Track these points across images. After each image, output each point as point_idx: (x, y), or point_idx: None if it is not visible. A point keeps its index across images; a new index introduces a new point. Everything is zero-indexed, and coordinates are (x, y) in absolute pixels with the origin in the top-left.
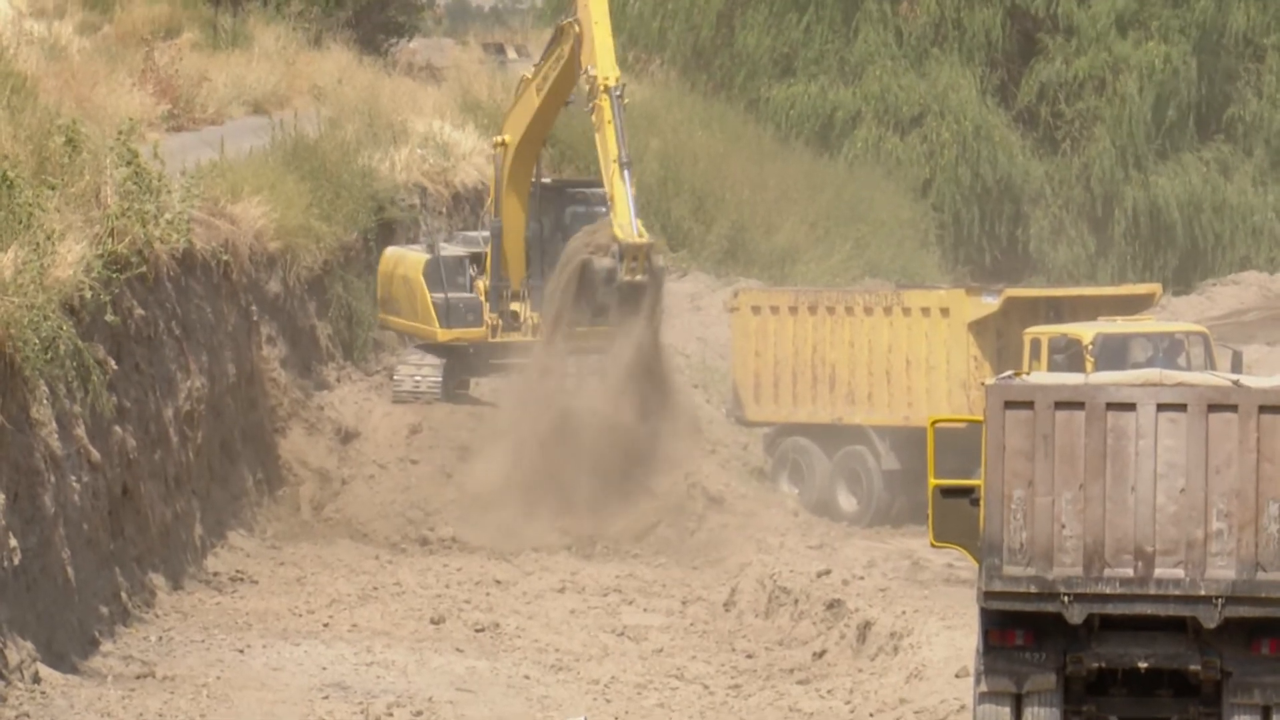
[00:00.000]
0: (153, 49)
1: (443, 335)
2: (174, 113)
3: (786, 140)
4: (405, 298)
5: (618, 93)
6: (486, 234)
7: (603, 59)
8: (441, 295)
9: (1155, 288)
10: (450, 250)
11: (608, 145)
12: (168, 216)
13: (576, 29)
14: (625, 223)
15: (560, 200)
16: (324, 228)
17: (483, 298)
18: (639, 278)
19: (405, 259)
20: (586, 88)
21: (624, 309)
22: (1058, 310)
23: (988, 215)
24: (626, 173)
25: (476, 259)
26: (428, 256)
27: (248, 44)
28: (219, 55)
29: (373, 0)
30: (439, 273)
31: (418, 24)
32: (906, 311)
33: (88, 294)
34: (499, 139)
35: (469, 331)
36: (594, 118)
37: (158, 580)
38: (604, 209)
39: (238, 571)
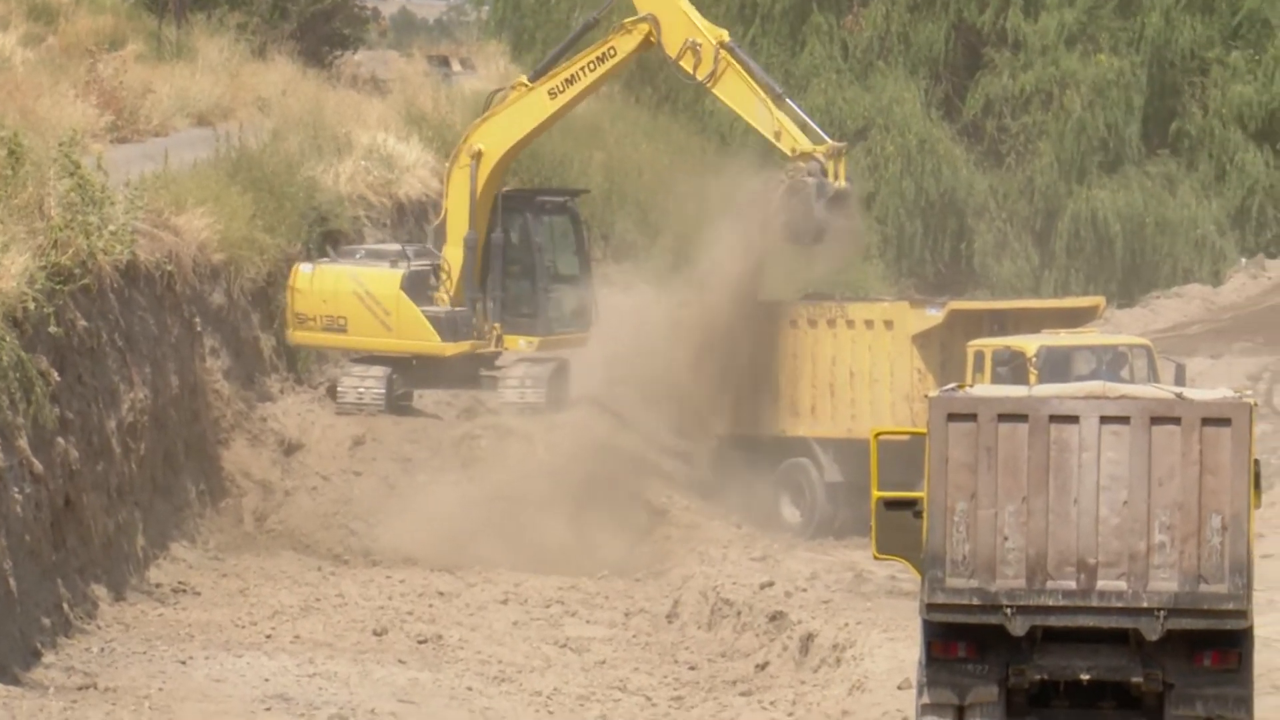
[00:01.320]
0: (97, 60)
1: (450, 350)
2: (118, 124)
3: (732, 154)
4: (368, 314)
5: (733, 44)
6: (399, 247)
7: (705, 26)
8: (433, 310)
9: (1099, 301)
10: (418, 265)
11: (755, 89)
12: (111, 228)
13: (645, 25)
14: (806, 139)
15: (528, 209)
16: (268, 239)
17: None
18: (843, 184)
19: (361, 275)
20: (689, 66)
21: (838, 215)
22: (1001, 323)
23: (931, 228)
24: (789, 101)
25: (435, 272)
26: (400, 272)
27: (192, 56)
28: (163, 67)
29: (317, 12)
30: (420, 288)
31: (362, 36)
32: (850, 324)
33: (31, 305)
34: (475, 148)
35: (474, 344)
36: (719, 84)
37: (100, 591)
38: (562, 216)
39: (180, 583)
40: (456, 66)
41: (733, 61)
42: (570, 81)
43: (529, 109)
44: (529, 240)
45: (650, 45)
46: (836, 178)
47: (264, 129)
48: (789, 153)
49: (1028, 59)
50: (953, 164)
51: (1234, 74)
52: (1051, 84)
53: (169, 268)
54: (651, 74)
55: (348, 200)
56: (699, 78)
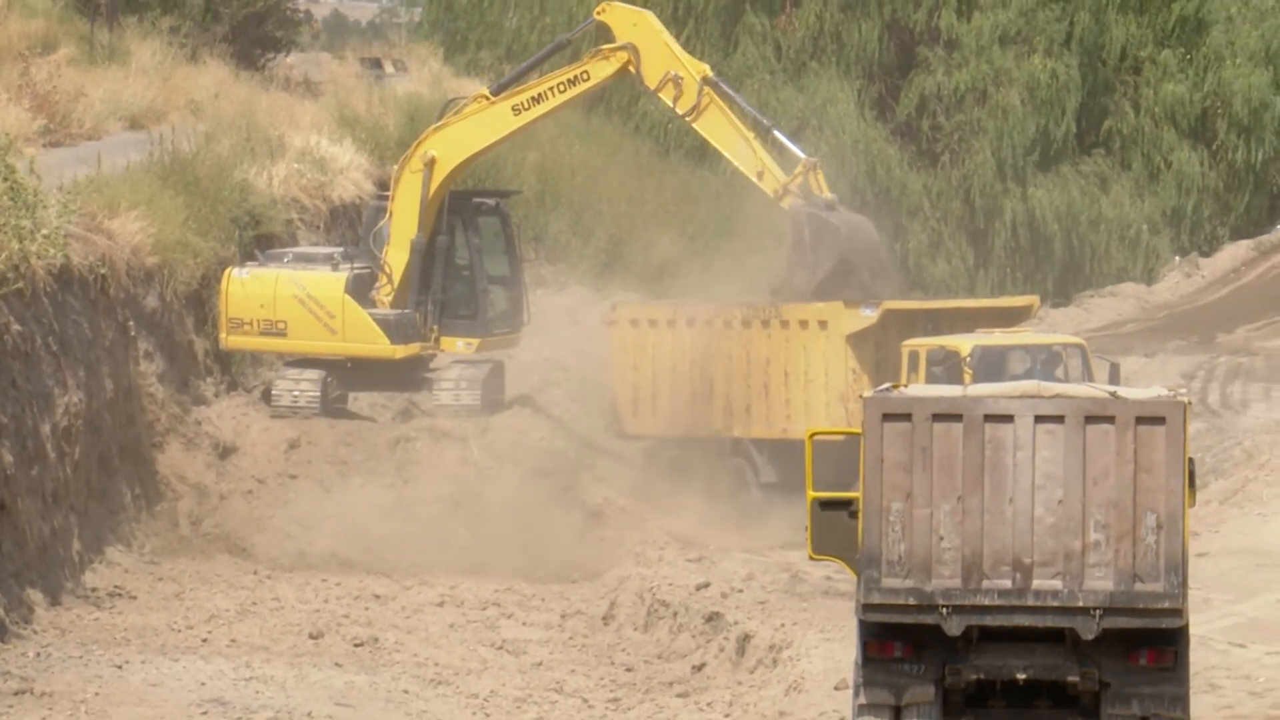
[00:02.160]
0: (29, 64)
1: (400, 352)
2: (50, 128)
3: (665, 154)
4: (310, 318)
5: (716, 79)
6: (328, 251)
7: (688, 60)
8: (381, 313)
9: (1033, 300)
10: (359, 268)
11: (737, 126)
12: (44, 232)
13: (625, 54)
14: (784, 174)
15: (465, 210)
16: (201, 242)
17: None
18: (828, 194)
19: (302, 279)
20: (669, 99)
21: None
22: (936, 323)
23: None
24: (776, 132)
25: (373, 275)
26: (344, 275)
27: (124, 59)
28: (96, 70)
29: (249, 15)
30: (362, 291)
31: (295, 38)
32: (785, 324)
33: None
34: (429, 155)
35: (420, 346)
36: (701, 119)
37: (35, 596)
38: (494, 217)
39: (116, 587)
40: (389, 68)
41: (715, 98)
42: (537, 100)
43: (490, 122)
44: (468, 242)
45: (628, 74)
46: (820, 190)
47: (197, 132)
48: (771, 194)
49: (962, 58)
50: (887, 164)
51: (1165, 73)
52: (986, 83)
53: (102, 271)
54: None
55: (281, 203)
56: (680, 111)
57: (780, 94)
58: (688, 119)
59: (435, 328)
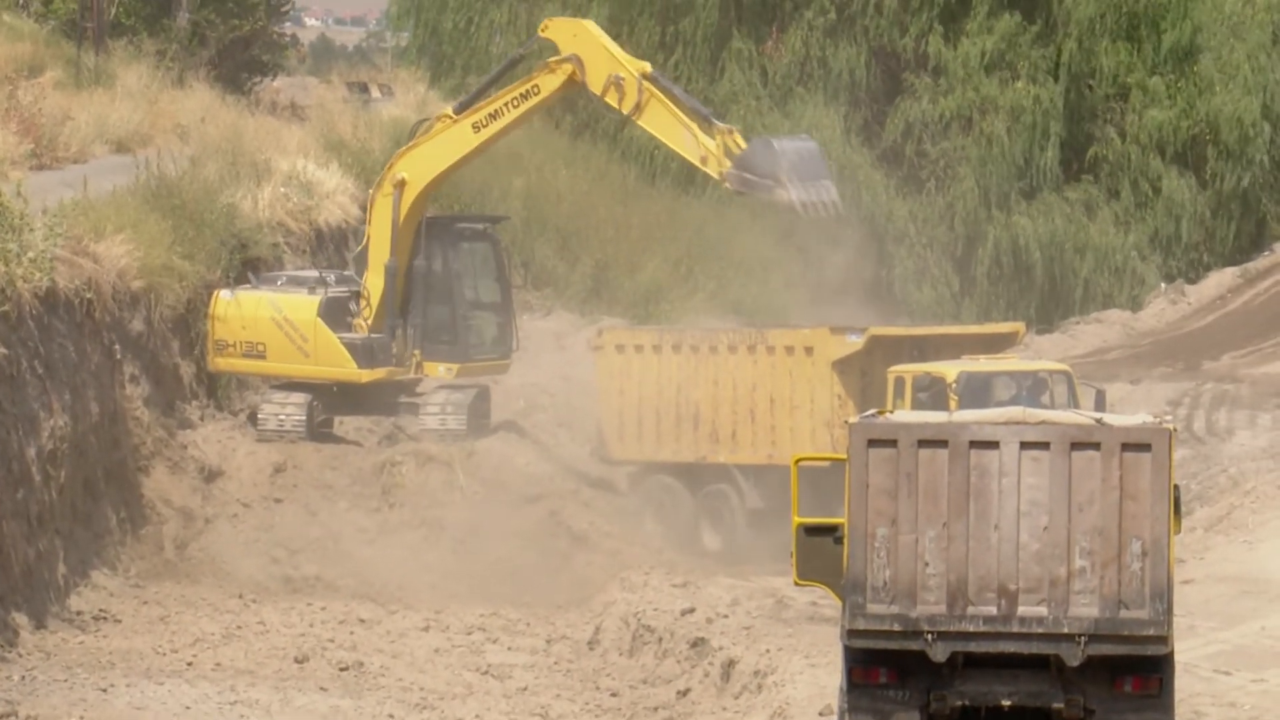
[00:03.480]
0: (15, 87)
1: (366, 376)
2: (37, 151)
3: (651, 180)
4: (286, 341)
5: (656, 74)
6: (318, 274)
7: (626, 60)
8: (350, 336)
9: (1019, 326)
10: (336, 291)
11: (679, 116)
12: (30, 255)
13: (569, 65)
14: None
15: (448, 236)
16: (187, 266)
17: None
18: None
19: (279, 301)
20: (614, 101)
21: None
22: (921, 349)
23: (852, 255)
24: (716, 122)
25: (355, 298)
26: (318, 299)
27: (111, 83)
28: (82, 94)
29: (236, 39)
30: (338, 314)
31: (281, 62)
32: (770, 350)
33: None
34: (399, 177)
35: (391, 370)
36: (644, 114)
37: (20, 619)
38: (483, 243)
39: (101, 610)
40: (376, 93)
41: (655, 91)
42: (494, 116)
43: (453, 141)
44: (449, 267)
45: (575, 84)
46: (738, 148)
47: (183, 156)
48: (716, 176)
49: (948, 84)
50: (872, 190)
51: (1153, 99)
52: (971, 110)
53: (88, 295)
54: (571, 101)
55: (267, 227)
56: (624, 111)
57: (766, 119)
58: (633, 117)
59: (416, 352)
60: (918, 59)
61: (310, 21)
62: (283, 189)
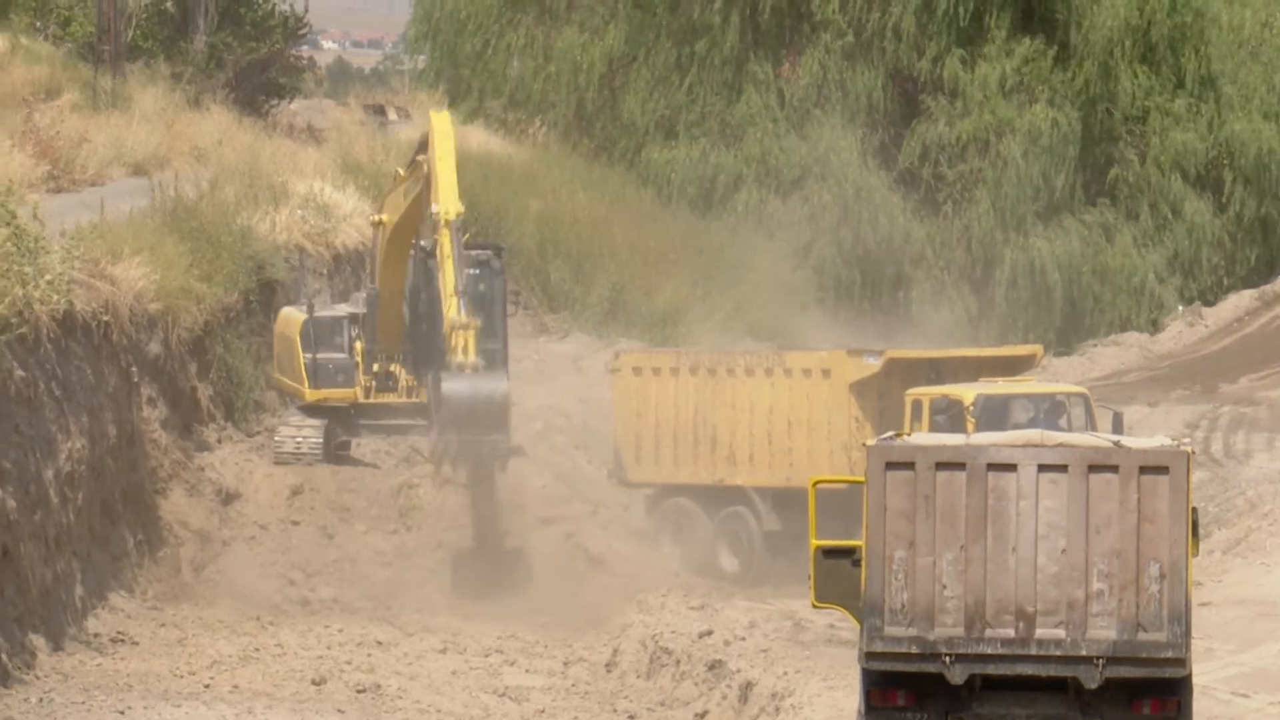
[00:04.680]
0: (32, 110)
1: (310, 395)
2: (54, 174)
3: (669, 203)
4: (285, 357)
5: (458, 225)
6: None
7: (445, 194)
8: (310, 355)
9: (1036, 349)
10: (328, 311)
11: (447, 279)
12: (48, 278)
13: (425, 168)
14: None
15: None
16: (204, 289)
17: (359, 359)
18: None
19: (287, 319)
20: (430, 223)
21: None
22: (939, 371)
23: (869, 277)
24: (462, 301)
25: (356, 320)
26: (303, 316)
27: (127, 105)
28: (99, 117)
29: (253, 62)
30: (328, 334)
31: (298, 85)
32: (788, 373)
33: None
34: (377, 217)
35: (337, 392)
36: (436, 252)
37: (38, 641)
38: (479, 270)
39: (118, 633)
40: (392, 115)
41: (446, 244)
42: (406, 196)
43: (398, 198)
44: (429, 294)
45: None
46: (465, 353)
47: (200, 178)
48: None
49: (965, 107)
50: (889, 212)
51: (1175, 121)
52: (988, 133)
53: (105, 317)
54: (588, 124)
55: (284, 249)
56: (428, 235)
57: (783, 142)
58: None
59: (409, 377)
60: (935, 82)
61: (327, 44)
62: (300, 211)
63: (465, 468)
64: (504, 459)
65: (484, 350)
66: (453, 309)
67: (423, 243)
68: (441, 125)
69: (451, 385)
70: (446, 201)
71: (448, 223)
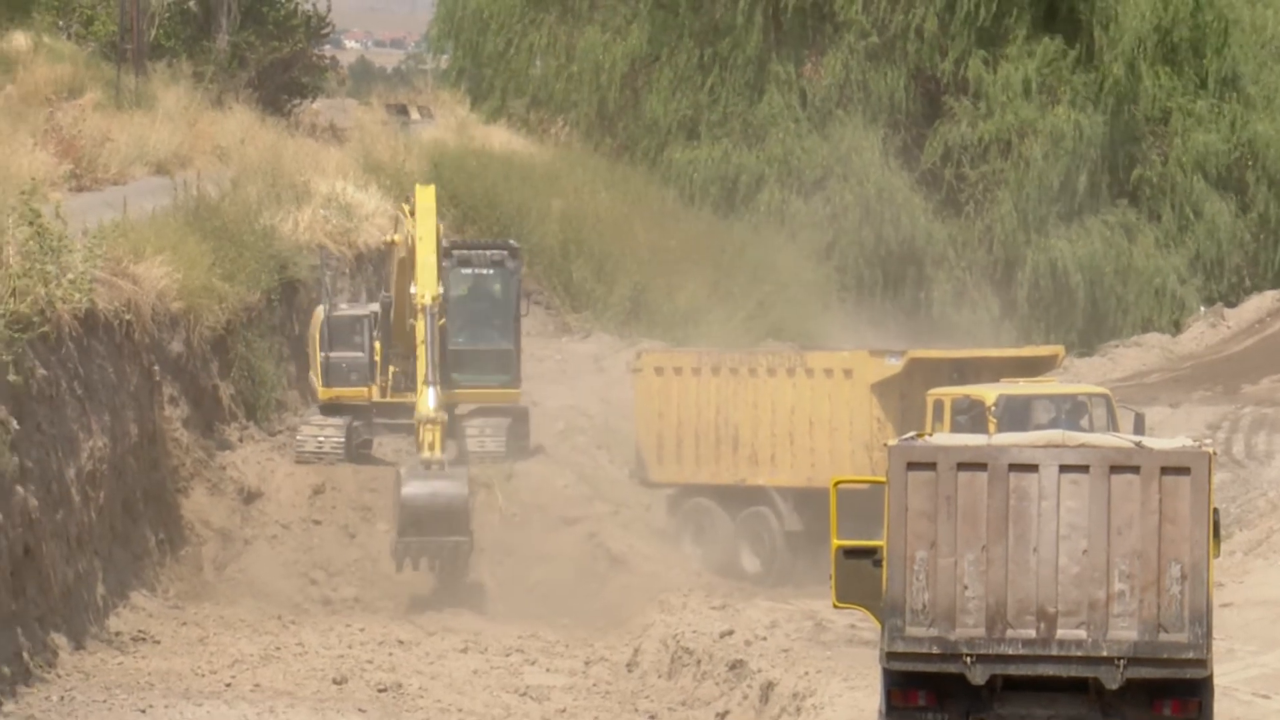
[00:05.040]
0: (55, 109)
1: (322, 393)
2: (76, 173)
3: (691, 203)
4: (311, 355)
5: (434, 309)
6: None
7: (423, 277)
8: (325, 354)
9: (1058, 349)
10: (349, 310)
11: (420, 366)
12: (70, 276)
13: (409, 227)
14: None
15: (451, 265)
16: (226, 288)
17: (377, 359)
18: (437, 453)
19: (315, 318)
20: (410, 306)
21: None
22: (961, 372)
23: (891, 277)
24: (431, 390)
25: (377, 320)
26: (322, 315)
27: (150, 104)
28: (122, 115)
29: (275, 61)
30: (346, 332)
31: (321, 84)
32: (809, 373)
33: None
34: (389, 238)
35: (349, 390)
36: (412, 334)
37: (60, 640)
38: (492, 271)
39: (140, 631)
40: (415, 115)
41: (420, 329)
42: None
43: (406, 227)
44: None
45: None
46: (432, 448)
47: (222, 177)
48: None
49: (988, 108)
50: (911, 213)
51: (1198, 122)
52: (1010, 133)
53: (128, 316)
54: (610, 123)
55: (306, 248)
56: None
57: (805, 142)
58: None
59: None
60: (957, 83)
61: (350, 44)
62: (322, 211)
63: (428, 565)
64: (465, 558)
65: (495, 352)
66: (423, 401)
67: (451, 251)
68: (424, 202)
69: (411, 489)
70: (424, 285)
71: (424, 307)
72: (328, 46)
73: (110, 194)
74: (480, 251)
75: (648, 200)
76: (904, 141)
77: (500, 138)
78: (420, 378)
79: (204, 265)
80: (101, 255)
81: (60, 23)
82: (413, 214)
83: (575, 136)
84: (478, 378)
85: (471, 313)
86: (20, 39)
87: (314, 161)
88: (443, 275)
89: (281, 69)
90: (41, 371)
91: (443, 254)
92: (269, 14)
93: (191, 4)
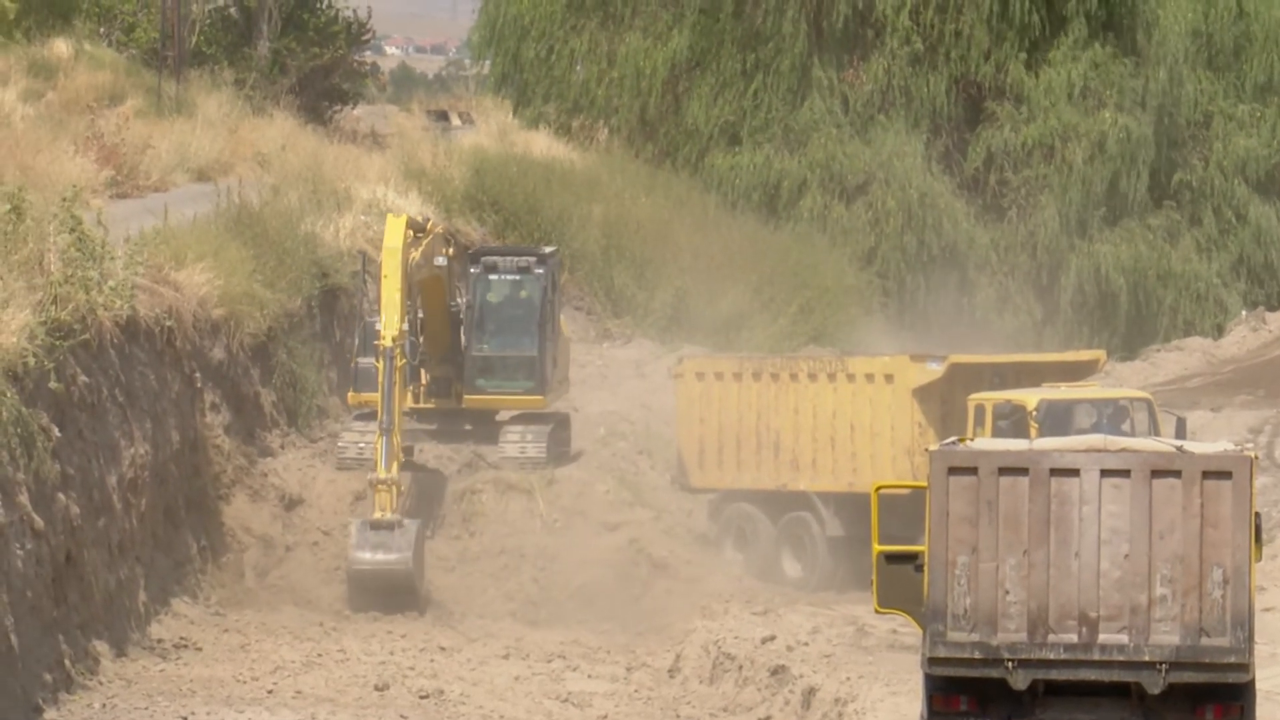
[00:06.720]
0: (96, 116)
1: (350, 398)
2: (117, 179)
3: (733, 208)
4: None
5: (392, 353)
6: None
7: (385, 316)
8: (356, 360)
9: (1099, 354)
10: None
11: (380, 414)
12: (111, 283)
13: (425, 243)
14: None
15: (480, 270)
16: (268, 294)
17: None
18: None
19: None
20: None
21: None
22: (1002, 376)
23: (933, 282)
24: (385, 439)
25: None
26: (360, 324)
27: (191, 111)
28: (163, 122)
29: (316, 68)
30: (360, 337)
31: (361, 91)
32: (851, 378)
33: (31, 361)
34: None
35: (375, 396)
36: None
37: (102, 647)
38: (519, 277)
39: (182, 638)
40: (456, 121)
41: (381, 370)
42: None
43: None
44: (469, 302)
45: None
46: (385, 509)
47: (264, 184)
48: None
49: (1030, 113)
50: (954, 218)
51: (1239, 126)
52: (1053, 138)
53: (169, 323)
54: (652, 129)
55: (348, 255)
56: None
57: (847, 147)
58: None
59: (457, 385)
60: (999, 87)
61: (390, 50)
62: (363, 217)
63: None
64: (420, 610)
65: (521, 358)
66: (379, 459)
67: (480, 257)
68: (390, 240)
69: (357, 559)
70: (386, 325)
71: (384, 349)
72: (368, 53)
73: (151, 201)
74: (508, 258)
75: (689, 206)
76: (946, 146)
77: (541, 143)
78: (380, 425)
79: (245, 272)
80: (143, 262)
81: (101, 30)
82: (429, 230)
83: (616, 142)
84: (503, 384)
85: (498, 319)
86: (61, 46)
87: (355, 168)
88: (470, 282)
89: (322, 75)
90: (83, 379)
91: (470, 260)
92: (310, 20)
93: (232, 11)
